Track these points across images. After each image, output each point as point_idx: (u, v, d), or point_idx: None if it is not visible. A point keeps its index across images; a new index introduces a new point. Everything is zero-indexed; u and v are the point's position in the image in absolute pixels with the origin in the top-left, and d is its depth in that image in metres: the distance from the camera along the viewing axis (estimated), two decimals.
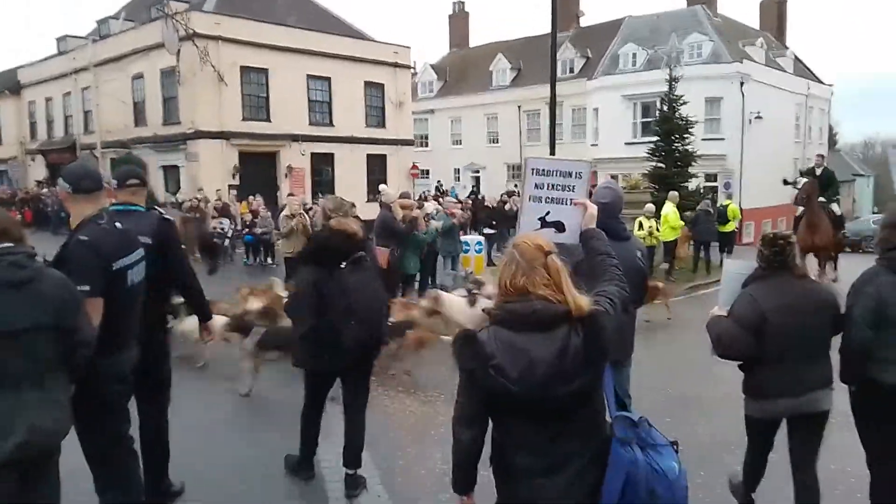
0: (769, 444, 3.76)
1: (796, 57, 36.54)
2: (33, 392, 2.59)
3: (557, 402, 2.08)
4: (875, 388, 3.32)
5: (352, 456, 4.31)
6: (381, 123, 27.44)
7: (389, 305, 4.53)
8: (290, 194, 15.09)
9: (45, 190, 26.30)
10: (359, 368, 4.27)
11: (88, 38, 28.34)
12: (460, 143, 38.20)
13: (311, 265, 4.16)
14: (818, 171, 12.14)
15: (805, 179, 11.56)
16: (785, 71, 33.79)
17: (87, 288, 3.01)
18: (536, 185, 3.21)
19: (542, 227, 3.12)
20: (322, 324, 4.00)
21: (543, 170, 3.22)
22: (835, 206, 12.02)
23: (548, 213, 3.15)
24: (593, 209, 2.86)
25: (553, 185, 3.18)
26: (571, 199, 3.10)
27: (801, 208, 11.37)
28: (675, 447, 2.22)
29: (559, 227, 3.11)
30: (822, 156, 13.24)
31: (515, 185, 29.26)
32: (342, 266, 4.04)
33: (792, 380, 3.43)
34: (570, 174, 3.19)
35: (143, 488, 3.66)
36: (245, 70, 22.91)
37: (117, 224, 3.34)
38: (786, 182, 12.75)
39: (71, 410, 2.82)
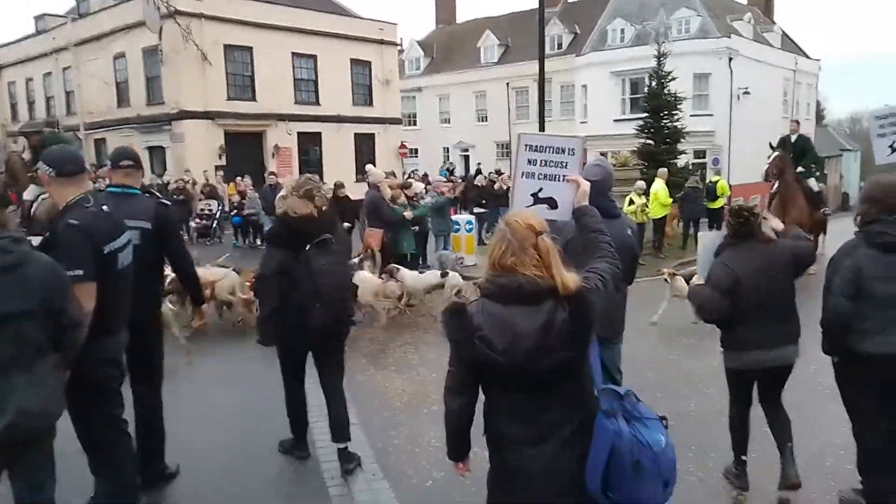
0: (748, 397, 3.97)
1: (784, 32, 36.46)
2: (22, 376, 2.59)
3: (541, 373, 2.13)
4: (856, 357, 3.44)
5: (339, 430, 4.35)
6: (369, 102, 27.19)
7: (355, 287, 4.52)
8: (272, 173, 14.97)
9: (30, 173, 25.97)
10: (328, 347, 4.29)
11: (67, 16, 27.77)
12: (449, 122, 37.97)
13: (277, 248, 4.15)
14: (793, 138, 11.37)
15: (776, 153, 10.69)
16: (772, 46, 33.74)
17: (80, 272, 2.99)
18: (529, 161, 3.18)
19: (535, 203, 3.11)
20: (288, 305, 4.02)
21: (536, 146, 3.18)
22: (812, 182, 11.17)
23: (540, 190, 3.13)
24: (586, 186, 2.87)
25: (546, 162, 3.15)
26: (564, 176, 3.09)
27: (775, 184, 10.65)
28: (663, 422, 2.25)
29: (552, 203, 3.10)
30: (797, 121, 12.25)
31: (500, 170, 29.17)
32: (307, 248, 4.04)
33: (764, 335, 3.74)
34: (563, 150, 3.17)
35: (136, 470, 3.67)
36: (229, 48, 22.56)
37: (104, 207, 3.31)
38: (772, 147, 11.46)
39: (63, 393, 2.82)
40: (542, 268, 2.16)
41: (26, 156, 28.19)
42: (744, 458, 4.02)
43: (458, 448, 2.45)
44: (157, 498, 4.00)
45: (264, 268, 4.17)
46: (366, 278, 8.11)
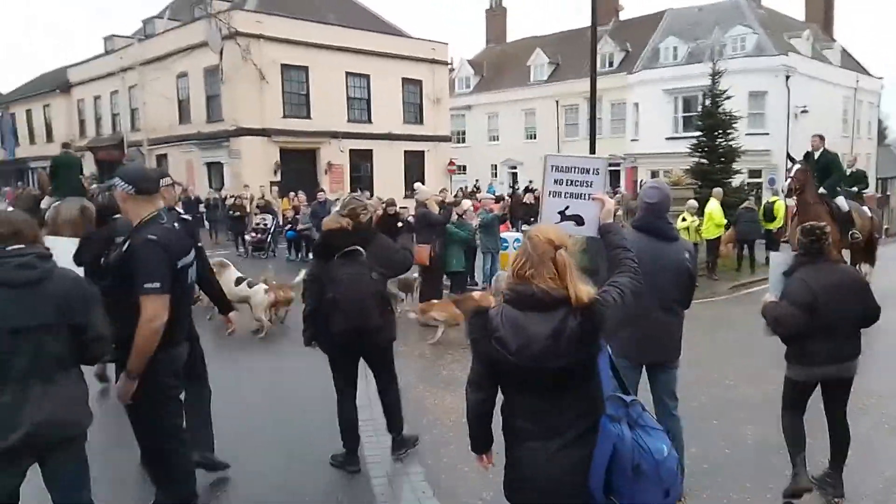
0: (804, 404, 4.14)
1: (844, 49, 35.44)
2: (41, 387, 2.69)
3: (550, 374, 2.31)
4: None
5: (392, 422, 4.80)
6: (419, 120, 27.54)
7: (387, 298, 4.71)
8: (321, 190, 15.29)
9: (93, 186, 27.11)
10: (350, 352, 4.56)
11: (134, 37, 29.07)
12: (497, 139, 38.09)
13: (315, 256, 4.78)
14: (816, 155, 10.53)
15: (798, 166, 9.82)
16: (832, 63, 32.80)
17: (157, 285, 3.16)
18: (556, 181, 3.33)
19: (562, 220, 3.24)
20: (321, 310, 4.40)
21: (562, 166, 3.34)
22: (841, 201, 10.28)
23: (567, 208, 3.26)
24: (610, 204, 3.01)
25: (572, 181, 3.30)
26: (590, 195, 3.22)
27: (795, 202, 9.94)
28: (668, 434, 2.40)
29: (578, 220, 3.23)
30: (822, 137, 11.30)
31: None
32: (335, 258, 4.39)
33: (836, 350, 3.93)
34: (588, 170, 3.31)
35: (195, 481, 3.77)
36: (286, 68, 23.24)
37: (175, 224, 3.48)
38: (792, 159, 10.65)
39: (86, 403, 2.93)
40: (557, 279, 2.33)
41: (91, 169, 29.56)
42: (801, 454, 4.06)
43: (478, 440, 2.65)
44: None
45: (307, 275, 4.72)
46: (258, 291, 8.60)
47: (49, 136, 35.28)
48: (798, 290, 3.92)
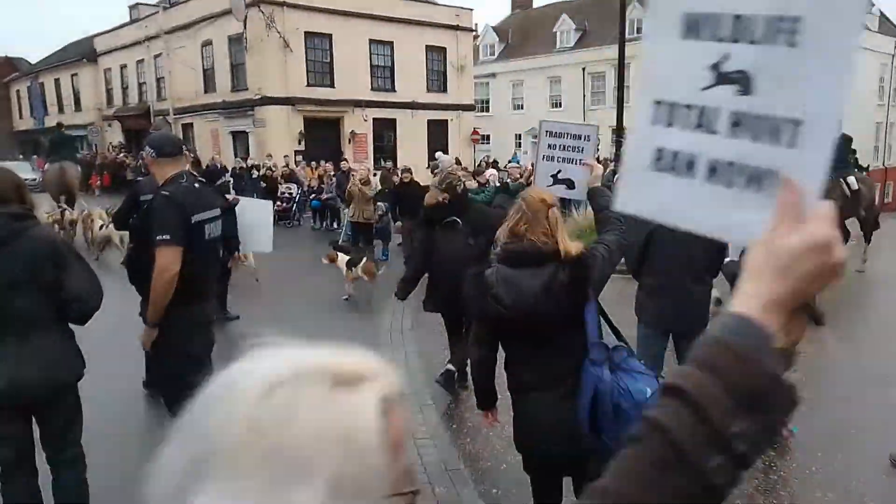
0: None
1: (882, 13, 34.20)
2: (16, 345, 2.77)
3: (544, 325, 2.47)
4: None
5: (456, 360, 5.44)
6: (443, 88, 27.29)
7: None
8: (344, 159, 15.25)
9: (121, 154, 27.47)
10: (452, 311, 5.24)
11: (159, 5, 29.09)
12: (522, 108, 37.64)
13: (420, 228, 5.41)
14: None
15: None
16: (870, 29, 31.72)
17: (167, 237, 3.29)
18: (549, 146, 3.52)
19: (554, 183, 3.42)
20: (430, 275, 5.15)
21: (556, 132, 3.52)
22: (852, 180, 9.93)
23: (559, 172, 3.45)
24: (599, 169, 3.17)
25: (564, 147, 3.48)
26: (581, 160, 3.39)
27: None
28: (659, 379, 2.47)
29: (569, 183, 3.40)
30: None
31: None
32: (436, 229, 5.01)
33: None
34: (580, 136, 3.49)
35: None
36: (309, 35, 23.11)
37: (195, 184, 3.66)
38: None
39: (73, 360, 3.00)
40: (549, 235, 2.50)
41: (119, 138, 30.25)
42: None
43: (484, 396, 2.82)
44: None
45: (416, 240, 5.66)
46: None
47: (77, 105, 35.72)
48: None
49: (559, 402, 2.48)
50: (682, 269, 3.86)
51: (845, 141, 10.43)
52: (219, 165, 20.07)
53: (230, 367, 0.66)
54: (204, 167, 17.28)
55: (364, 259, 9.05)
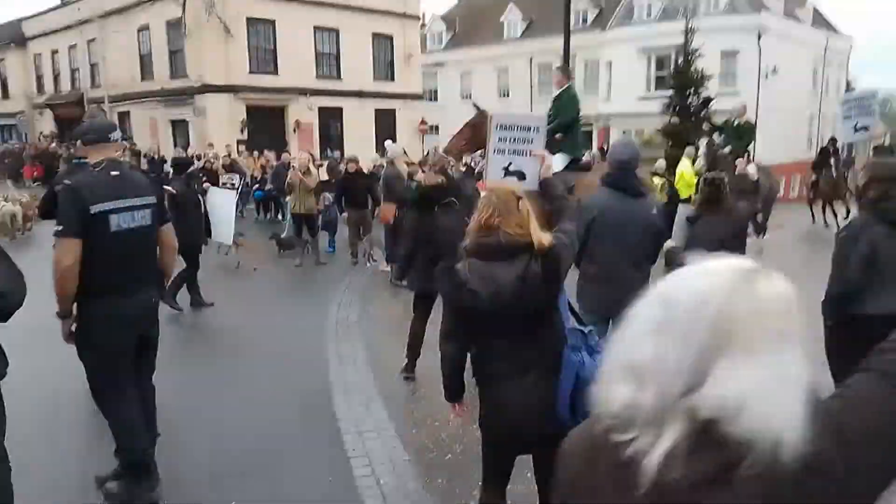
0: None
1: (815, 9, 35.52)
2: None
3: (520, 316, 2.50)
4: (853, 321, 3.57)
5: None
6: (390, 77, 27.04)
7: None
8: (285, 151, 14.72)
9: (53, 144, 26.29)
10: None
11: None
12: (470, 98, 37.65)
13: (413, 209, 5.41)
14: (737, 122, 10.91)
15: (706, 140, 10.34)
16: (803, 23, 32.89)
17: (60, 228, 3.24)
18: (500, 139, 3.59)
19: (506, 175, 3.49)
20: (422, 255, 5.14)
21: (506, 125, 3.60)
22: (751, 168, 10.45)
23: (510, 164, 3.54)
24: (550, 159, 3.24)
25: (514, 139, 3.56)
26: (530, 151, 3.46)
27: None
28: None
29: (520, 175, 3.48)
30: (746, 106, 11.69)
31: None
32: (435, 209, 5.10)
33: None
34: (529, 129, 3.58)
35: (144, 438, 3.69)
36: (252, 21, 22.50)
37: (113, 172, 3.43)
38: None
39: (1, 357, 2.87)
40: (522, 226, 2.51)
41: (51, 127, 29.23)
42: None
43: (453, 389, 2.85)
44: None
45: (408, 222, 5.49)
46: None
47: (5, 93, 33.99)
48: (704, 233, 4.38)
49: (531, 387, 2.54)
50: (620, 256, 3.91)
51: (746, 129, 10.96)
52: (155, 157, 19.49)
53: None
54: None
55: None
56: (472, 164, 11.84)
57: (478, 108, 7.41)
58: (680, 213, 4.96)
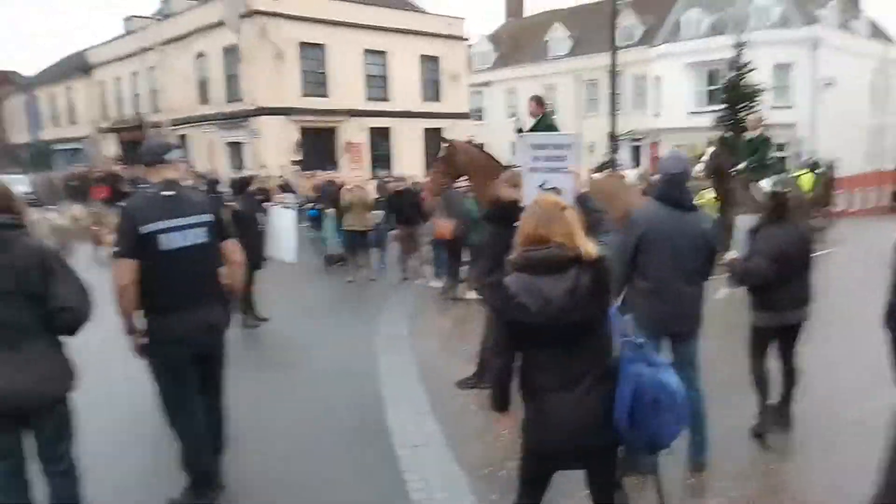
0: (767, 349, 4.62)
1: (872, 20, 34.48)
2: (5, 354, 2.78)
3: (569, 329, 2.50)
4: None
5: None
6: (437, 97, 27.39)
7: None
8: (330, 170, 14.61)
9: (116, 167, 27.43)
10: None
11: (153, 17, 29.15)
12: (516, 116, 37.73)
13: (489, 222, 5.33)
14: (750, 135, 10.17)
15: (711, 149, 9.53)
16: (859, 34, 31.95)
17: (116, 249, 3.42)
18: (534, 158, 3.70)
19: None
20: (502, 265, 5.16)
21: (539, 144, 3.74)
22: (764, 182, 9.60)
23: (544, 182, 3.63)
24: (584, 174, 3.29)
25: (548, 157, 3.66)
26: (565, 168, 3.55)
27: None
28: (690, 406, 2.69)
29: (556, 192, 3.48)
30: (760, 118, 10.83)
31: None
32: (515, 224, 4.98)
33: (794, 296, 4.45)
34: (562, 146, 3.68)
35: (209, 455, 3.81)
36: (304, 46, 23.19)
37: (165, 192, 3.51)
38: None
39: (63, 372, 2.99)
40: (567, 236, 2.52)
41: (115, 150, 30.58)
42: (768, 403, 4.59)
43: (501, 400, 2.81)
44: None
45: (487, 238, 5.41)
46: None
47: (72, 118, 35.72)
48: (771, 245, 4.35)
49: (580, 400, 2.55)
50: (672, 271, 3.87)
51: (761, 142, 10.04)
52: (212, 178, 20.09)
53: None
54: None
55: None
56: None
57: (444, 140, 8.33)
58: (740, 225, 4.98)
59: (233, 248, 3.80)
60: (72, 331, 2.96)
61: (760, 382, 4.63)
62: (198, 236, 3.53)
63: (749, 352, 4.67)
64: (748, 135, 10.30)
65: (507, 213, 5.17)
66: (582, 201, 3.11)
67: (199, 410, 3.69)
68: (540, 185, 3.63)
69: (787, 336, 4.59)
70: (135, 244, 3.35)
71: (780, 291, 4.39)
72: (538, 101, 8.50)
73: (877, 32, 34.37)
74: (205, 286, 3.60)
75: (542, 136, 3.84)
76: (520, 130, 8.48)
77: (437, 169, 7.94)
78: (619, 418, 2.50)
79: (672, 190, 3.92)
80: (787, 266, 4.34)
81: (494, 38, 40.75)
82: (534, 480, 2.81)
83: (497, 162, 8.25)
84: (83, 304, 2.94)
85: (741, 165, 9.90)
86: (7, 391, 2.77)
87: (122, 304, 3.39)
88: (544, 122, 8.03)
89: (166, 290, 3.44)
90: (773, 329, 4.55)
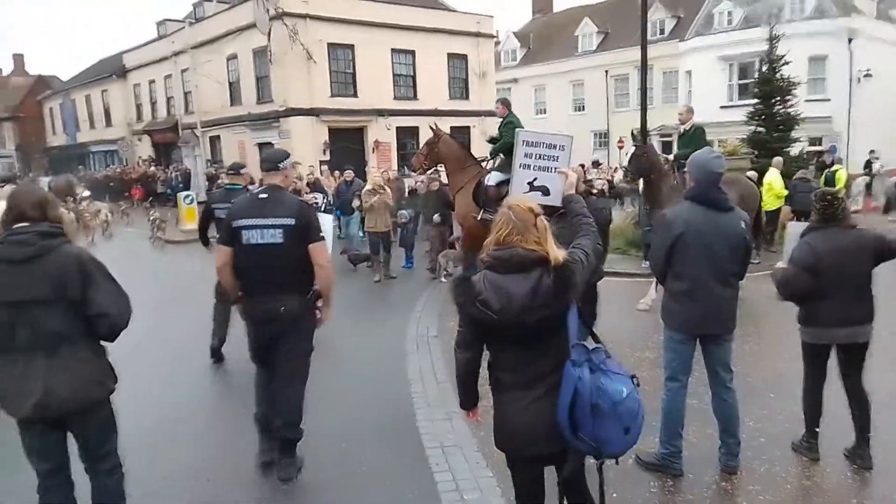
0: (823, 371, 4.20)
1: None
2: (46, 359, 2.85)
3: (530, 328, 2.55)
4: None
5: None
6: (465, 95, 27.34)
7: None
8: (347, 170, 14.01)
9: (151, 168, 28.01)
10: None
11: (185, 21, 29.62)
12: (545, 112, 37.54)
13: (553, 219, 5.74)
14: (684, 129, 9.30)
15: (636, 145, 8.45)
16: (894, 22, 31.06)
17: (217, 236, 4.33)
18: (526, 155, 3.74)
19: (530, 190, 3.61)
20: None
21: (532, 142, 3.76)
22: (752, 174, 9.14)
23: (535, 179, 3.67)
24: (573, 177, 3.25)
25: (540, 156, 3.71)
26: (556, 168, 3.59)
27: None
28: (634, 380, 2.62)
29: (545, 190, 3.60)
30: (690, 108, 9.95)
31: (597, 161, 28.50)
32: (548, 220, 5.31)
33: (844, 313, 3.97)
34: (555, 146, 3.73)
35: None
36: (332, 47, 23.34)
37: (262, 195, 4.07)
38: (634, 137, 9.40)
39: (103, 378, 3.05)
40: (539, 243, 2.59)
41: (149, 151, 31.35)
42: (816, 429, 4.24)
43: (466, 397, 2.94)
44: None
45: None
46: None
47: (108, 121, 36.51)
48: (802, 252, 4.01)
49: (536, 402, 2.60)
50: (708, 273, 3.82)
51: (694, 134, 9.31)
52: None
53: None
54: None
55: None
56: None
57: (432, 129, 9.85)
58: (791, 232, 4.68)
59: (317, 251, 4.06)
60: (110, 336, 3.04)
61: (807, 404, 4.29)
62: (273, 237, 3.92)
63: (804, 370, 4.32)
64: (682, 127, 9.42)
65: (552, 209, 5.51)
66: (568, 202, 3.12)
67: (266, 382, 4.26)
68: (530, 182, 3.68)
69: (845, 357, 4.15)
70: (228, 235, 4.00)
71: (826, 305, 3.98)
72: (504, 102, 9.73)
73: None
74: (275, 280, 3.96)
75: (536, 135, 3.86)
76: (491, 139, 9.87)
77: (422, 152, 9.73)
78: (560, 422, 2.54)
79: (707, 190, 3.86)
80: (831, 277, 3.91)
81: (522, 35, 40.54)
82: (520, 486, 2.85)
83: (473, 158, 9.97)
84: (121, 310, 3.00)
85: (671, 157, 9.28)
86: (49, 397, 2.85)
87: (222, 280, 4.16)
88: (509, 121, 9.19)
89: (244, 278, 4.05)
90: (823, 347, 4.15)
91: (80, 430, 3.06)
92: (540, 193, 3.57)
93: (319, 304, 4.20)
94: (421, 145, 9.61)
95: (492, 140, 9.72)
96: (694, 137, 9.08)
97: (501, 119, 9.42)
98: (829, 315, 3.99)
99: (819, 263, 3.91)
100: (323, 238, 4.12)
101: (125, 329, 3.03)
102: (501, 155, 8.84)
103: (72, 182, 16.57)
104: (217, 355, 6.57)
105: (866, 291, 4.03)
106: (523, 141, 3.79)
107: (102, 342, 3.08)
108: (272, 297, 3.96)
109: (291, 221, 3.93)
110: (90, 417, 3.04)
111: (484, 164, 9.52)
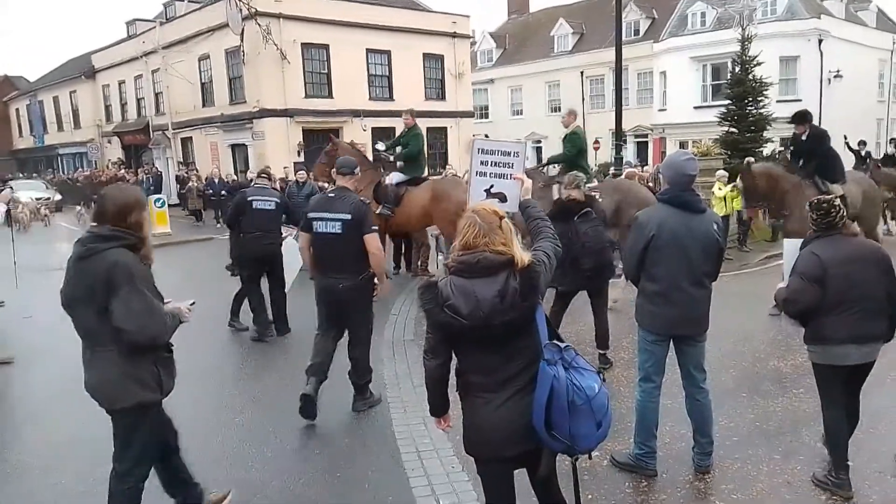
0: (840, 394, 3.82)
1: (880, 10, 34.21)
2: (89, 352, 3.09)
3: (498, 330, 2.56)
4: None
5: (601, 339, 6.22)
6: (441, 96, 27.33)
7: (614, 242, 6.47)
8: (301, 169, 12.87)
9: (121, 171, 27.52)
10: (595, 284, 6.14)
11: (156, 20, 29.19)
12: (521, 113, 37.69)
13: (556, 220, 5.75)
14: (566, 132, 9.27)
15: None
16: (867, 25, 31.71)
17: (300, 224, 5.28)
18: (482, 163, 3.82)
19: (487, 197, 3.68)
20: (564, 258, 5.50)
21: (487, 149, 3.86)
22: (836, 188, 8.53)
23: (491, 186, 3.77)
24: (528, 182, 3.27)
25: (495, 163, 3.81)
26: (511, 174, 3.69)
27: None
28: (600, 375, 2.66)
29: (501, 197, 3.68)
30: (574, 112, 9.71)
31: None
32: (575, 219, 5.90)
33: (855, 329, 3.63)
34: (510, 153, 3.82)
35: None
36: (306, 47, 23.16)
37: (331, 194, 5.17)
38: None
39: (124, 385, 3.03)
40: (505, 245, 2.59)
41: (119, 154, 30.95)
42: (848, 463, 3.78)
43: (436, 403, 2.92)
44: None
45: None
46: None
47: (76, 122, 35.85)
48: (807, 263, 3.72)
49: (507, 403, 2.61)
50: (682, 274, 3.82)
51: (569, 138, 9.36)
52: (216, 179, 20.15)
53: None
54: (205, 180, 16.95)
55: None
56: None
57: (331, 138, 11.01)
58: (788, 250, 4.42)
59: (369, 241, 5.00)
60: (132, 351, 3.00)
61: (832, 443, 3.86)
62: (334, 228, 4.95)
63: (821, 401, 3.95)
64: (566, 132, 9.37)
65: (568, 210, 6.02)
66: (525, 208, 3.12)
67: (323, 345, 5.23)
68: (486, 189, 3.78)
69: (853, 377, 3.84)
70: (306, 224, 5.10)
71: (833, 321, 3.66)
72: (412, 113, 10.62)
73: (884, 23, 34.09)
74: (336, 263, 4.99)
75: (490, 143, 3.97)
76: (388, 148, 10.88)
77: (322, 161, 10.46)
78: (535, 420, 2.54)
79: (679, 192, 3.87)
80: (840, 287, 3.63)
81: (498, 36, 40.65)
82: (489, 488, 2.84)
83: (369, 163, 10.74)
84: (143, 328, 2.95)
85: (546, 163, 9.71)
86: (88, 385, 3.12)
87: (303, 258, 5.38)
88: (412, 132, 10.39)
89: (316, 258, 5.13)
90: (835, 368, 3.76)
91: (113, 423, 3.17)
92: (497, 200, 3.61)
93: (376, 282, 5.19)
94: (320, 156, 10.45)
95: (392, 146, 10.94)
96: (568, 141, 9.33)
97: (407, 129, 10.61)
98: (839, 331, 3.66)
99: (825, 274, 3.65)
100: (375, 230, 5.05)
101: (153, 346, 3.06)
102: (400, 164, 10.31)
103: None
104: (273, 329, 7.62)
105: (879, 303, 3.68)
106: (478, 149, 3.85)
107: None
108: (333, 275, 4.99)
109: (348, 216, 4.92)
110: (114, 416, 3.14)
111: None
